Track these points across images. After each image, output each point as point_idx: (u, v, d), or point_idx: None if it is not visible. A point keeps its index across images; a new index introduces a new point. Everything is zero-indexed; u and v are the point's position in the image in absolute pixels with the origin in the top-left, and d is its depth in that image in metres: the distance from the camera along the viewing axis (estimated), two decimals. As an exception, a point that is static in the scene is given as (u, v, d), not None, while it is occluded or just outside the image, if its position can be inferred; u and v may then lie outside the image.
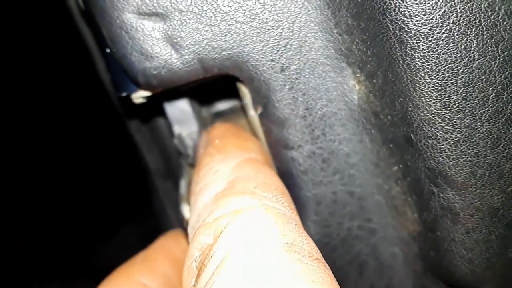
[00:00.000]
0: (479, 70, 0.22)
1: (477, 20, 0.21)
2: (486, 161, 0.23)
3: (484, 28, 0.21)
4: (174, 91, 0.32)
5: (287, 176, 0.30)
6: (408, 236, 0.30)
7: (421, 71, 0.22)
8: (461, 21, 0.21)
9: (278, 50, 0.27)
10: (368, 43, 0.25)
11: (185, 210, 0.35)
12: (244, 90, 0.31)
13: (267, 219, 0.21)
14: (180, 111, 0.36)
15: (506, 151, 0.23)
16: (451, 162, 0.24)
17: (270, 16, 0.27)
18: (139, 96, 0.31)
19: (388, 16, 0.22)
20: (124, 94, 0.31)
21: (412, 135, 0.25)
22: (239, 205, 0.23)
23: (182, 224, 0.36)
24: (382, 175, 0.29)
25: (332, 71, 0.27)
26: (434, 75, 0.22)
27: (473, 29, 0.21)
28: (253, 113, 0.31)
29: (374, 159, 0.29)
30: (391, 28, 0.22)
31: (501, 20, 0.21)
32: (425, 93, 0.23)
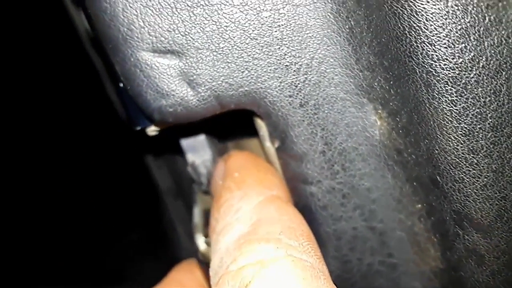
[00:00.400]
0: (508, 114, 0.21)
1: (508, 64, 0.20)
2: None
3: (516, 73, 0.20)
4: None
5: (306, 211, 0.29)
6: (430, 272, 0.29)
7: (448, 115, 0.21)
8: (490, 65, 0.20)
9: (296, 86, 0.26)
10: (391, 82, 0.24)
11: (200, 241, 0.34)
12: (260, 123, 0.30)
13: (294, 274, 0.21)
14: (193, 140, 0.35)
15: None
16: (477, 206, 0.23)
17: (288, 52, 0.26)
18: (154, 129, 0.30)
19: (415, 59, 0.21)
20: (138, 128, 0.30)
21: (438, 177, 0.24)
22: (264, 256, 0.22)
23: (196, 254, 0.36)
24: (404, 211, 0.28)
25: (352, 106, 0.27)
26: (462, 120, 0.21)
27: (503, 73, 0.20)
28: (269, 145, 0.30)
29: (396, 195, 0.28)
30: (417, 71, 0.21)
31: (533, 64, 0.20)
32: (452, 137, 0.22)
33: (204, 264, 0.33)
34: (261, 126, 0.30)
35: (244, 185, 0.28)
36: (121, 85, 0.28)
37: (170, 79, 0.26)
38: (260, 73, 0.26)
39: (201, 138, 0.35)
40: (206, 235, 0.34)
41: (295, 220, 0.25)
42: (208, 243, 0.34)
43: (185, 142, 0.35)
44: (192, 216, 0.38)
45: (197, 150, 0.35)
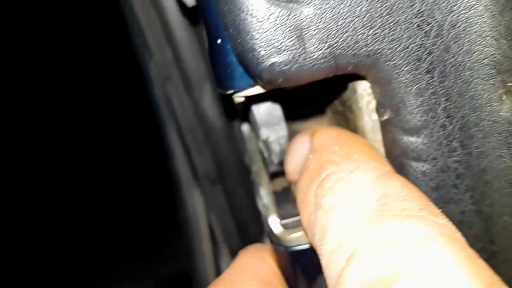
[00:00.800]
0: None
1: None
2: None
3: None
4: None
5: (413, 192, 0.26)
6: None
7: None
8: None
9: (426, 49, 0.23)
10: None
11: (274, 224, 0.31)
12: (361, 92, 0.27)
13: (456, 254, 0.18)
14: (268, 113, 0.32)
15: None
16: None
17: (421, 10, 0.23)
18: (243, 94, 0.27)
19: None
20: (230, 91, 0.27)
21: None
22: (412, 234, 0.19)
23: (268, 238, 0.32)
24: (522, 197, 0.26)
25: (480, 77, 0.24)
26: None
27: None
28: (372, 118, 0.27)
29: (510, 178, 0.26)
30: None
31: None
32: None
33: (281, 247, 0.30)
34: (361, 96, 0.27)
35: (352, 159, 0.24)
36: (219, 42, 0.25)
37: (288, 32, 0.22)
38: (388, 31, 0.23)
39: (278, 112, 0.32)
40: (281, 217, 0.31)
41: (425, 197, 0.22)
42: (285, 225, 0.30)
43: (259, 116, 0.32)
44: (258, 198, 0.35)
45: (272, 125, 0.32)
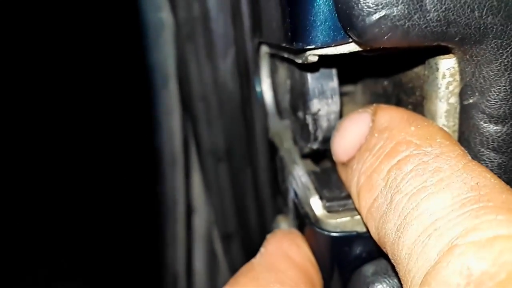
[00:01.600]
0: None
1: None
2: None
3: None
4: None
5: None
6: None
7: None
8: None
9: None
10: None
11: (316, 205, 0.28)
12: (444, 71, 0.24)
13: None
14: (323, 84, 0.29)
15: None
16: None
17: (539, -13, 0.21)
18: (324, 52, 0.23)
19: None
20: (299, 45, 0.23)
21: None
22: None
23: (302, 220, 0.29)
24: None
25: None
26: None
27: None
28: (445, 101, 0.25)
29: None
30: None
31: None
32: None
33: (323, 232, 0.27)
34: (444, 75, 0.25)
35: (435, 142, 0.22)
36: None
37: (404, -17, 0.19)
38: (504, 5, 0.21)
39: (334, 83, 0.29)
40: (321, 198, 0.28)
41: None
42: (330, 208, 0.27)
43: (313, 85, 0.28)
44: (291, 178, 0.31)
45: (326, 97, 0.29)
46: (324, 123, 0.29)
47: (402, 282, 0.20)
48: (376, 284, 0.26)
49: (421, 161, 0.21)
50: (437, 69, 0.25)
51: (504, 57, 0.22)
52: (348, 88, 0.40)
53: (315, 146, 0.30)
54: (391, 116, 0.25)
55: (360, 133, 0.25)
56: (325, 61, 0.28)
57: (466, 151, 0.22)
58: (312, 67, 0.28)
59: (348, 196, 0.28)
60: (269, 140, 0.37)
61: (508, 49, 0.22)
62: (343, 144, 0.26)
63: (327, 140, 0.30)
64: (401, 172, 0.21)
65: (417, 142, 0.22)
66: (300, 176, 0.30)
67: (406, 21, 0.20)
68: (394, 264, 0.21)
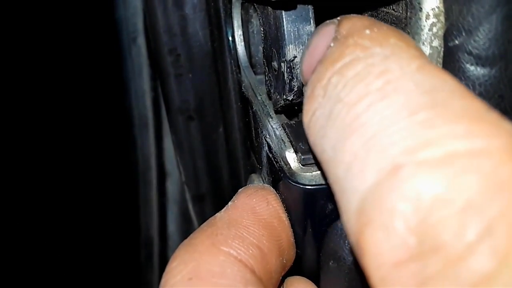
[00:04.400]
0: None
1: None
2: None
3: None
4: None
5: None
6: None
7: None
8: None
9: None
10: None
11: (291, 158, 0.25)
12: (427, 12, 0.22)
13: None
14: (300, 28, 0.26)
15: None
16: None
17: None
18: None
19: None
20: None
21: None
22: (488, 143, 0.14)
23: (278, 174, 0.27)
24: None
25: None
26: None
27: None
28: (428, 44, 0.22)
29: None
30: None
31: None
32: None
33: (297, 185, 0.25)
34: (428, 16, 0.22)
35: (388, 43, 0.18)
36: None
37: None
38: None
39: (312, 27, 0.26)
40: (296, 151, 0.25)
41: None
42: (304, 161, 0.25)
43: (289, 29, 0.25)
44: (265, 131, 0.29)
45: (303, 43, 0.26)
46: (299, 71, 0.27)
47: (338, 209, 0.17)
48: (353, 238, 0.24)
49: (367, 64, 0.17)
50: (420, 9, 0.22)
51: (496, -9, 0.19)
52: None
53: (290, 97, 0.28)
54: (352, 23, 0.21)
55: (324, 46, 0.21)
56: (302, 0, 0.25)
57: (424, 56, 0.18)
58: (287, 5, 0.25)
59: (325, 148, 0.25)
60: (242, 94, 0.35)
61: (501, -19, 0.19)
62: (309, 60, 0.22)
63: (303, 90, 0.28)
64: (343, 78, 0.17)
65: (365, 44, 0.18)
66: (274, 129, 0.27)
67: None
68: (331, 188, 0.18)
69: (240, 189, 0.27)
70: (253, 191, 0.27)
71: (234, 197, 0.27)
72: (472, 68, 0.21)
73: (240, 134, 0.39)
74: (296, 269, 0.28)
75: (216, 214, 0.26)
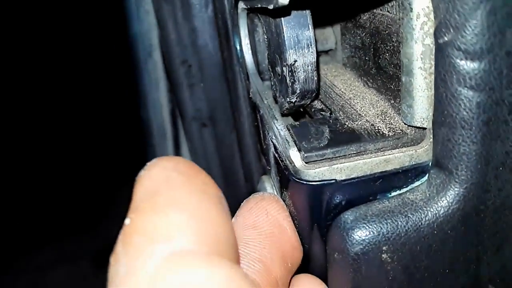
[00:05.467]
0: None
1: None
2: None
3: None
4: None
5: (462, 125, 0.23)
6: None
7: None
8: None
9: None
10: None
11: (296, 157, 0.26)
12: (418, 11, 0.23)
13: None
14: (299, 34, 0.27)
15: None
16: None
17: None
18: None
19: None
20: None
21: None
22: None
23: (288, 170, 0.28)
24: None
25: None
26: None
27: None
28: (420, 43, 0.23)
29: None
30: None
31: None
32: None
33: (301, 181, 0.26)
34: (419, 15, 0.23)
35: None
36: None
37: None
38: None
39: (309, 33, 0.27)
40: (300, 150, 0.26)
41: None
42: (307, 159, 0.26)
43: (289, 35, 0.27)
44: (271, 133, 0.30)
45: (302, 48, 0.27)
46: (301, 75, 0.28)
47: None
48: (355, 229, 0.25)
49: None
50: (411, 9, 0.23)
51: (479, -11, 0.20)
52: (328, 45, 0.38)
53: (293, 99, 0.29)
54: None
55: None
56: (298, 6, 0.27)
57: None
58: (285, 12, 0.27)
59: (326, 146, 0.26)
60: (250, 100, 0.36)
61: (482, -21, 0.20)
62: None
63: (305, 93, 0.29)
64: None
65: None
66: (279, 130, 0.29)
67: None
68: None
69: (243, 202, 0.28)
70: (254, 204, 0.27)
71: (237, 211, 0.28)
72: (462, 63, 0.22)
73: (251, 138, 0.41)
74: (304, 264, 0.29)
75: None
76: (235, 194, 0.44)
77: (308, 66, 0.28)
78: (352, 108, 0.30)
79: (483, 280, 0.28)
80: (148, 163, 0.21)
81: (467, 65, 0.22)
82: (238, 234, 0.26)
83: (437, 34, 0.23)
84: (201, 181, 0.21)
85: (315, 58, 0.28)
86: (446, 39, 0.22)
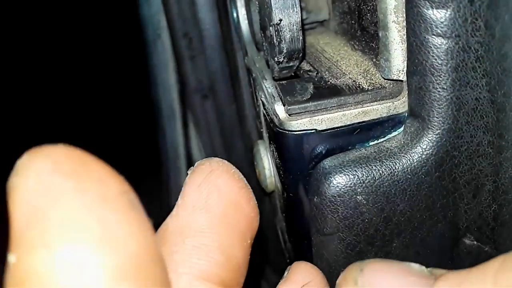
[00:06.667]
0: None
1: None
2: None
3: None
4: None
5: (432, 72, 0.24)
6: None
7: None
8: None
9: None
10: None
11: (280, 110, 0.28)
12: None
13: None
14: (284, -4, 0.29)
15: None
16: None
17: None
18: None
19: None
20: None
21: None
22: None
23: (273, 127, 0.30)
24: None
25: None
26: None
27: None
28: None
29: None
30: None
31: None
32: None
33: (284, 131, 0.27)
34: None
35: None
36: None
37: None
38: None
39: (294, -5, 0.29)
40: (284, 104, 0.28)
41: None
42: (290, 111, 0.28)
43: (274, -3, 0.29)
44: (261, 93, 0.32)
45: (287, 8, 0.29)
46: (287, 34, 0.30)
47: None
48: (332, 174, 0.26)
49: None
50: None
51: None
52: (321, 16, 0.40)
53: (280, 59, 0.31)
54: None
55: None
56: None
57: None
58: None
59: (308, 100, 0.28)
60: (246, 67, 0.38)
61: None
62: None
63: (291, 52, 0.31)
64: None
65: None
66: (267, 88, 0.31)
67: None
68: None
69: (188, 175, 0.23)
70: (202, 180, 0.23)
71: (183, 187, 0.23)
72: (429, 12, 0.24)
73: (251, 109, 0.43)
74: (289, 212, 0.31)
75: (167, 220, 0.23)
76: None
77: (293, 26, 0.29)
78: (338, 68, 0.32)
79: (461, 229, 0.29)
80: (19, 162, 0.16)
81: (434, 14, 0.23)
82: (187, 220, 0.22)
83: (405, -14, 0.24)
84: (97, 178, 0.16)
85: (300, 18, 0.29)
86: (413, -10, 0.24)
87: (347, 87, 0.29)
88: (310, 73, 0.32)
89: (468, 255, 0.30)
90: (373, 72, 0.30)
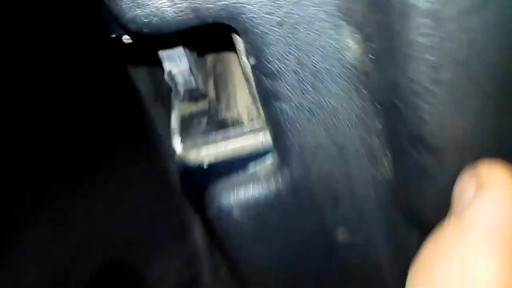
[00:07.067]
0: (478, 51, 0.21)
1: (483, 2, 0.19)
2: (468, 134, 0.23)
3: (491, 11, 0.19)
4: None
5: (276, 125, 0.29)
6: (382, 179, 0.31)
7: (419, 47, 0.21)
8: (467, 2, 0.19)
9: (276, 3, 0.24)
10: (370, 7, 0.23)
11: (177, 144, 0.35)
12: (238, 38, 0.28)
13: None
14: (171, 49, 0.33)
15: (488, 129, 0.23)
16: (432, 132, 0.24)
17: (269, -34, 0.23)
18: (128, 38, 0.29)
19: (395, -12, 0.20)
20: (114, 35, 0.28)
21: (399, 103, 0.24)
22: None
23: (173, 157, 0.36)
24: (365, 129, 0.29)
25: (330, 28, 0.25)
26: (432, 53, 0.21)
27: (479, 11, 0.20)
28: (245, 60, 0.29)
29: (360, 114, 0.29)
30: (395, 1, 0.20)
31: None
32: (419, 68, 0.22)
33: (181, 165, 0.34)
34: (239, 41, 0.29)
35: None
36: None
37: (148, -13, 0.23)
38: (239, -13, 0.24)
39: (179, 48, 0.33)
40: (182, 140, 0.34)
41: None
42: (186, 144, 0.34)
43: (163, 51, 0.33)
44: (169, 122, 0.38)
45: (175, 60, 0.34)
46: (180, 80, 0.35)
47: None
48: (213, 198, 0.33)
49: None
50: (234, 37, 0.29)
51: (255, 27, 0.25)
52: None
53: (179, 99, 0.36)
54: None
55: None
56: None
57: None
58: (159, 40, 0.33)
59: (201, 135, 0.34)
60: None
61: (256, 20, 0.25)
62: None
63: (189, 92, 0.36)
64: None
65: None
66: (172, 120, 0.36)
67: (153, 17, 0.24)
68: None
69: None
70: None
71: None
72: (265, 81, 0.28)
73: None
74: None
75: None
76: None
77: (185, 73, 0.34)
78: (233, 98, 0.37)
79: (329, 226, 0.35)
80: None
81: (268, 83, 0.28)
82: None
83: (247, 59, 0.28)
84: None
85: (188, 66, 0.34)
86: (252, 63, 0.28)
87: (232, 121, 0.34)
88: (211, 102, 0.38)
89: (343, 249, 0.37)
90: (254, 107, 0.35)
